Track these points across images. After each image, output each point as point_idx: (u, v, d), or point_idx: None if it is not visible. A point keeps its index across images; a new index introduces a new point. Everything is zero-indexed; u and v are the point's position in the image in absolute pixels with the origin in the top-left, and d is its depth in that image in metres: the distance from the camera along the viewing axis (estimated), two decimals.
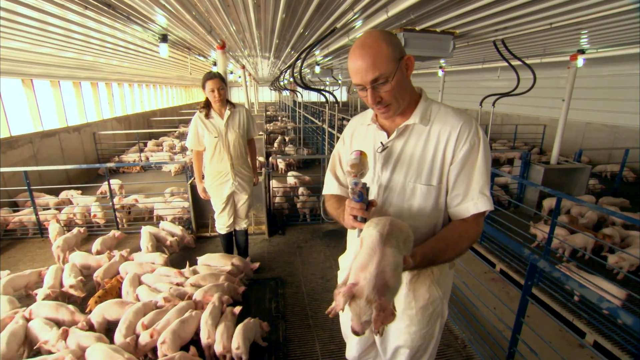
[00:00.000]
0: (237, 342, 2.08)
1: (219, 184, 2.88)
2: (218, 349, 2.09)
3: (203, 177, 2.94)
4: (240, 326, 2.18)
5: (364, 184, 1.01)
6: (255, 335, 2.26)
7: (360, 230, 1.00)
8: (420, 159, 1.07)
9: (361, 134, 1.23)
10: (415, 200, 1.10)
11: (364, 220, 1.01)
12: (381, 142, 1.13)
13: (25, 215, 4.16)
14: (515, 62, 4.06)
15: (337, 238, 4.07)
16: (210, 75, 2.65)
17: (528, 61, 4.47)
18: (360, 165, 1.01)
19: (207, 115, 2.73)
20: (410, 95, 1.08)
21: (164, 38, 3.80)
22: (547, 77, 8.32)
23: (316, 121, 9.65)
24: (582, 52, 4.70)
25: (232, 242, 3.25)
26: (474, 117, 1.12)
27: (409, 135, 1.09)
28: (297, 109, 12.70)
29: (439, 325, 1.23)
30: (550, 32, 3.37)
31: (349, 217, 1.03)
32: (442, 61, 7.48)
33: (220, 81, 2.65)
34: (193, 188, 3.70)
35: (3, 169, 4.48)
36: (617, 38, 3.89)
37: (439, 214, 1.12)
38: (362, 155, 1.03)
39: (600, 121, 7.82)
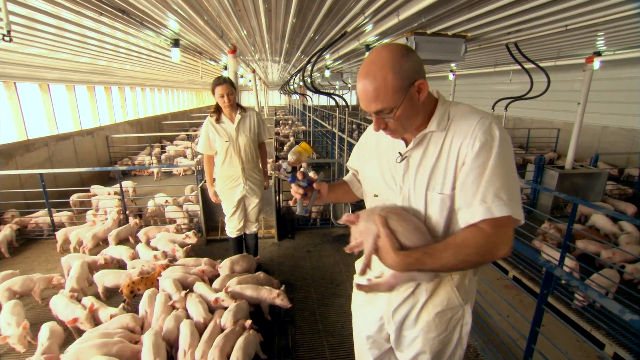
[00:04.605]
0: (236, 357, 2.04)
1: (230, 187, 2.89)
2: None
3: (214, 181, 2.96)
4: (241, 340, 2.13)
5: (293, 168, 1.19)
6: (256, 348, 2.22)
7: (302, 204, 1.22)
8: (437, 166, 1.02)
9: (383, 138, 1.19)
10: (434, 210, 1.05)
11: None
12: (399, 153, 1.10)
13: (41, 217, 4.26)
14: (528, 65, 4.00)
15: (347, 242, 4.02)
16: (219, 81, 2.66)
17: (542, 64, 4.40)
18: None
19: (218, 120, 2.75)
20: (423, 111, 1.04)
21: (176, 43, 3.86)
22: (561, 80, 8.18)
23: (326, 125, 9.66)
24: (598, 54, 4.61)
25: (242, 246, 3.26)
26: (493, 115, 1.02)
27: (428, 144, 1.05)
28: (306, 112, 12.74)
29: (458, 331, 1.19)
30: (566, 34, 3.31)
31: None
32: (453, 65, 7.42)
33: (230, 86, 2.66)
34: (204, 191, 3.73)
35: (20, 171, 4.61)
36: (636, 39, 3.80)
37: (457, 223, 1.04)
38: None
39: (618, 125, 7.64)
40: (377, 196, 1.21)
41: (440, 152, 1.02)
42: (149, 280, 2.77)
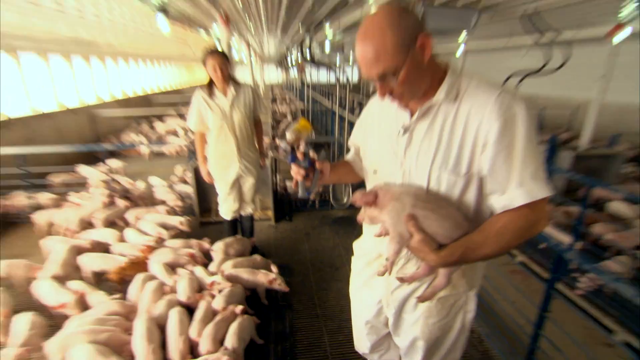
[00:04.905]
0: (231, 343, 2.05)
1: (224, 166, 2.87)
2: (203, 349, 2.02)
3: (207, 160, 2.93)
4: (234, 325, 2.14)
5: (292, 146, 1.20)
6: (251, 333, 2.24)
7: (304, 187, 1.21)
8: (448, 142, 0.99)
9: (386, 109, 1.16)
10: (439, 189, 1.03)
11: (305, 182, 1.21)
12: (403, 124, 1.06)
13: (22, 199, 4.23)
14: (544, 38, 3.89)
15: (346, 225, 4.07)
16: (211, 51, 2.58)
17: (561, 36, 4.28)
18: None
19: (211, 95, 2.70)
20: (431, 77, 1.00)
21: (163, 10, 3.73)
22: (581, 55, 7.98)
23: (326, 102, 9.53)
24: (623, 25, 4.46)
25: (237, 228, 3.27)
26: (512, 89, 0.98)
27: (435, 116, 1.01)
28: (305, 89, 12.57)
29: (460, 318, 1.20)
30: (589, 2, 3.21)
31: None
32: (462, 37, 7.22)
33: (223, 57, 2.59)
34: (196, 171, 3.70)
35: None
36: None
37: (468, 211, 1.03)
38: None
39: None
40: (376, 172, 1.19)
41: (453, 126, 0.98)
42: (138, 264, 2.78)
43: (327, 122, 9.49)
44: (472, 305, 1.19)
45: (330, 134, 8.11)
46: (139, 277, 2.56)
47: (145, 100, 11.88)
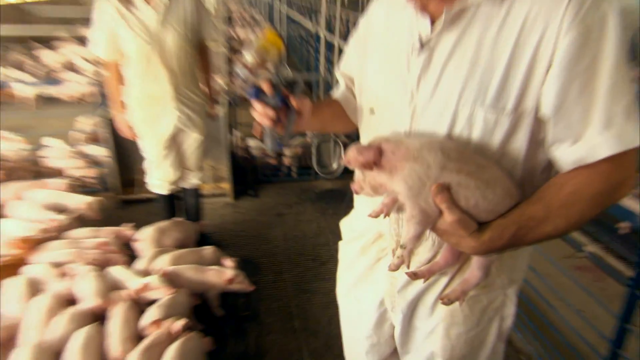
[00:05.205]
0: None
1: (154, 116, 2.84)
2: None
3: (126, 106, 2.88)
4: (174, 348, 2.12)
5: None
6: (199, 358, 2.24)
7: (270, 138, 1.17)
8: (488, 64, 0.92)
9: (395, 16, 1.11)
10: (472, 137, 0.98)
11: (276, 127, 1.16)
12: (420, 37, 1.01)
13: None
14: None
15: (335, 201, 4.15)
16: None
17: None
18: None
19: (127, 4, 2.60)
20: None
21: None
22: None
23: (307, 24, 9.38)
24: None
25: (175, 207, 3.29)
26: None
27: (470, 23, 0.94)
28: (277, 4, 12.32)
29: (496, 328, 1.20)
30: None
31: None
32: None
33: None
34: (112, 124, 3.63)
35: None
36: None
37: (513, 170, 0.98)
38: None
39: None
40: (374, 112, 1.17)
41: (497, 39, 0.92)
42: (14, 267, 2.70)
43: (309, 52, 9.40)
44: (511, 309, 1.19)
45: (314, 69, 8.04)
46: (16, 283, 2.46)
47: (18, 13, 11.42)
